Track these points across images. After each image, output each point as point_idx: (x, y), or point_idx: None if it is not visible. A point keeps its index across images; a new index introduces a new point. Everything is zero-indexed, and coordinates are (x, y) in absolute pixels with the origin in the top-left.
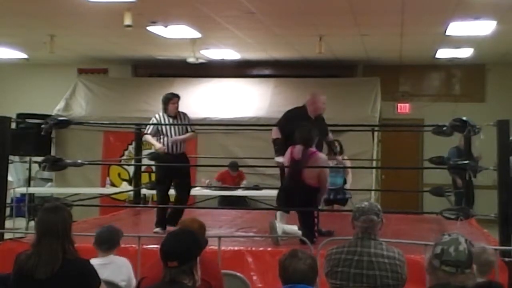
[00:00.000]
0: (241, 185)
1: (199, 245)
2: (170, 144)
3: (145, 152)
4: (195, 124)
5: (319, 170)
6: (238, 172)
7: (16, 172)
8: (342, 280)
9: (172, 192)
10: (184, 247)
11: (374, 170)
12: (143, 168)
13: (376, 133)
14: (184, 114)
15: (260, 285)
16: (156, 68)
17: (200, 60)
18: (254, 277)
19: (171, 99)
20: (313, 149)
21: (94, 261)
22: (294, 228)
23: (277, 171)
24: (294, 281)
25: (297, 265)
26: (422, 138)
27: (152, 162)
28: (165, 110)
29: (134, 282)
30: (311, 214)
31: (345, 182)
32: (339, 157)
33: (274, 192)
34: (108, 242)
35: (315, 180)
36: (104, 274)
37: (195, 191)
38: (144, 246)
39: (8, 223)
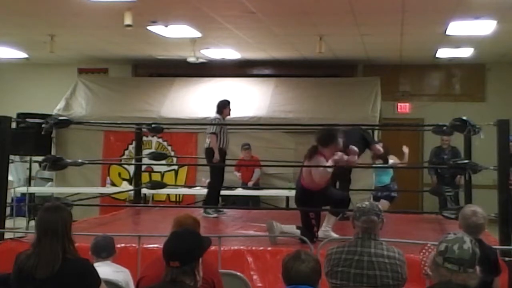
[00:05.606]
0: (255, 174)
1: (201, 246)
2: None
3: (145, 152)
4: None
5: (309, 170)
6: (251, 155)
7: (16, 171)
8: (342, 280)
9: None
10: (187, 248)
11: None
12: (143, 167)
13: (376, 133)
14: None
15: (260, 285)
16: (156, 68)
17: (200, 60)
18: (254, 277)
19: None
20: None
21: None
22: (292, 228)
23: (277, 170)
24: (296, 283)
25: (299, 267)
26: (422, 138)
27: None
28: (221, 113)
29: None
30: (307, 214)
31: (392, 180)
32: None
33: (274, 192)
34: (106, 250)
35: (307, 180)
36: None
37: (195, 191)
38: (144, 246)
39: (9, 223)
